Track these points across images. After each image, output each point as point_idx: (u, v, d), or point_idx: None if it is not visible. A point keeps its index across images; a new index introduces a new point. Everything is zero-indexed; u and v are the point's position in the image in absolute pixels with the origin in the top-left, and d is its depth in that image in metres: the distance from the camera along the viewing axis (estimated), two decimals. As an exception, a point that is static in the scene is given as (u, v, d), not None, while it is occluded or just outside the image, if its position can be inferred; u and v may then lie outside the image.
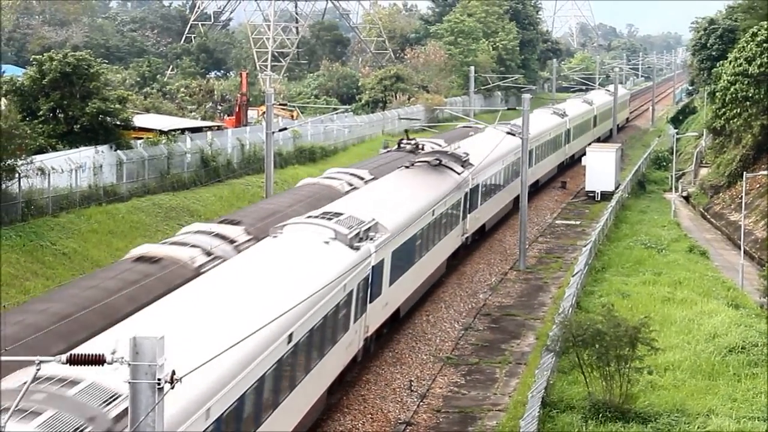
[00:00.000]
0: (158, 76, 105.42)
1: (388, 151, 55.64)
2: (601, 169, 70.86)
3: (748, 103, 65.98)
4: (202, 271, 25.25)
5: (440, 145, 57.49)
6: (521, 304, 42.74)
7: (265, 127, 47.48)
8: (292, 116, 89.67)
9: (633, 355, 28.64)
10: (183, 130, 59.05)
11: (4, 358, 14.65)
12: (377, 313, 31.64)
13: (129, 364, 12.23)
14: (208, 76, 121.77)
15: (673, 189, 74.09)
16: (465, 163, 46.55)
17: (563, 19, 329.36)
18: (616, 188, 69.41)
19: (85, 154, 47.97)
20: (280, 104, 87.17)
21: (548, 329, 35.27)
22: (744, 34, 73.04)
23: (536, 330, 38.47)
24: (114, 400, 15.76)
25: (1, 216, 40.31)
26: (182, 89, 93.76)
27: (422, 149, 54.49)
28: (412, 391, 31.30)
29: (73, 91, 50.62)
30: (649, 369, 29.44)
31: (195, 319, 20.16)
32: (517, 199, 57.83)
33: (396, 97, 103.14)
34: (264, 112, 55.35)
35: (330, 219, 29.78)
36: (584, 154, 75.81)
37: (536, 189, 67.56)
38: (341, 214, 30.58)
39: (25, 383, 13.09)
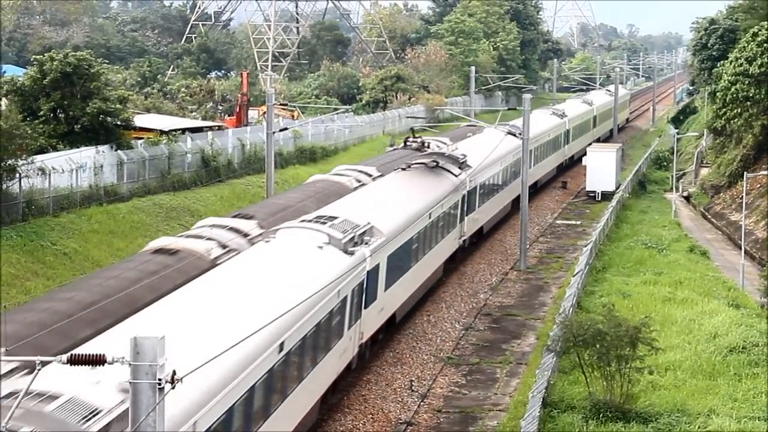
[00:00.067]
0: (159, 76, 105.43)
1: (394, 149, 55.90)
2: (601, 169, 70.88)
3: (748, 103, 65.99)
4: (218, 263, 25.88)
5: (445, 143, 57.58)
6: (522, 304, 42.74)
7: (266, 127, 47.47)
8: (293, 116, 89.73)
9: (634, 355, 28.64)
10: (183, 130, 59.06)
11: (4, 358, 14.63)
12: (372, 319, 30.97)
13: (130, 364, 12.22)
14: (208, 76, 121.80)
15: (674, 189, 74.07)
16: (462, 165, 46.03)
17: (564, 19, 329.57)
18: (617, 188, 69.41)
19: (85, 154, 47.97)
20: (281, 104, 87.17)
21: (549, 329, 35.26)
22: (745, 34, 73.04)
23: (537, 330, 38.47)
24: (95, 415, 15.12)
25: (2, 216, 40.30)
26: (183, 89, 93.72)
27: (428, 147, 54.55)
28: (412, 391, 31.29)
29: (73, 91, 50.63)
30: (649, 369, 29.44)
31: (180, 329, 18.95)
32: (515, 201, 57.81)
33: (396, 97, 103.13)
34: (264, 112, 55.37)
35: (324, 223, 29.06)
36: (584, 155, 75.83)
37: (535, 190, 67.48)
38: (335, 217, 29.87)
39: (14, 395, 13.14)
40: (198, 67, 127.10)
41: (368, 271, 29.50)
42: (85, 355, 12.13)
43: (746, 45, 67.77)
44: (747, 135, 69.34)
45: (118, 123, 52.41)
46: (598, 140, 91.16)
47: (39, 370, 12.38)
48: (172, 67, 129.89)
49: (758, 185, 63.68)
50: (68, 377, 15.30)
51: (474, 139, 57.88)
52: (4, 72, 77.71)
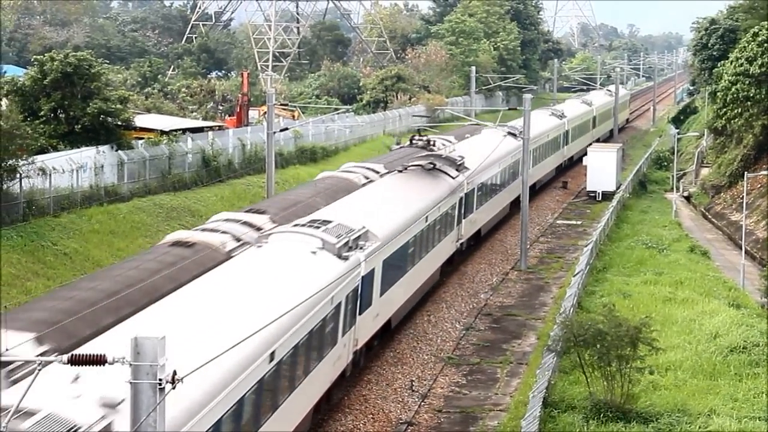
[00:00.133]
0: (159, 77, 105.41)
1: (400, 147, 56.27)
2: (602, 169, 70.88)
3: (749, 103, 65.98)
4: (233, 255, 26.37)
5: (450, 142, 57.68)
6: (522, 304, 42.74)
7: (267, 127, 47.46)
8: (293, 116, 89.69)
9: (634, 355, 28.64)
10: (184, 131, 59.03)
11: (4, 358, 14.65)
12: (367, 326, 30.41)
13: (130, 365, 12.22)
14: (209, 76, 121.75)
15: (674, 189, 74.06)
16: (460, 167, 45.52)
17: (564, 19, 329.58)
18: (617, 188, 69.41)
19: (86, 154, 47.97)
20: (281, 104, 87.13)
21: (549, 329, 35.26)
22: (745, 34, 73.03)
23: (537, 330, 38.47)
24: None
25: (2, 216, 40.31)
26: (183, 89, 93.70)
27: (433, 145, 54.62)
28: (413, 391, 31.29)
29: (74, 92, 50.64)
30: (650, 369, 29.44)
31: (168, 338, 18.48)
32: (513, 203, 57.76)
33: (397, 97, 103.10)
34: (265, 112, 55.37)
35: (318, 227, 28.45)
36: (583, 155, 75.79)
37: (534, 191, 67.38)
38: (330, 221, 29.31)
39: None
40: (198, 67, 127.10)
41: (363, 277, 28.95)
42: (86, 355, 12.10)
43: (747, 45, 67.76)
44: (747, 135, 69.36)
45: (119, 123, 52.42)
46: (597, 141, 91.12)
47: (39, 370, 12.36)
48: (172, 67, 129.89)
49: (759, 185, 63.67)
50: (47, 390, 14.85)
51: (472, 140, 57.68)
52: (5, 72, 77.71)
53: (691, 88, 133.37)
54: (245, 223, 29.64)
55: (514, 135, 57.72)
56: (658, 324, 34.68)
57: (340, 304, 26.62)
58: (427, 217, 37.76)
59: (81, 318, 20.32)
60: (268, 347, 20.62)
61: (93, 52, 59.42)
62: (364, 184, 40.14)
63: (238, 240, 28.01)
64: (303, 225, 28.75)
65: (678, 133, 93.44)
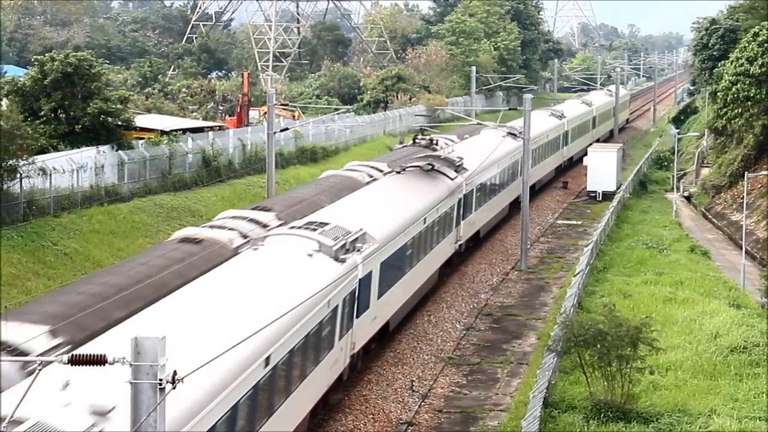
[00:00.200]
0: (160, 77, 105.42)
1: (404, 146, 56.44)
2: (602, 169, 70.87)
3: (749, 103, 65.96)
4: (240, 251, 26.62)
5: (453, 141, 57.71)
6: (523, 304, 42.74)
7: (267, 128, 47.46)
8: (294, 116, 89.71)
9: (634, 355, 28.64)
10: (184, 131, 59.04)
11: (4, 358, 14.66)
12: (365, 329, 30.10)
13: (131, 365, 12.22)
14: (209, 76, 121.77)
15: (675, 189, 74.06)
16: (459, 168, 45.11)
17: (565, 19, 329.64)
18: (618, 188, 69.40)
19: (86, 154, 47.99)
20: (282, 104, 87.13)
21: (550, 329, 35.26)
22: (745, 34, 73.02)
23: (538, 330, 38.47)
24: None
25: (3, 216, 40.32)
26: (184, 89, 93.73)
27: (436, 144, 54.65)
28: (413, 391, 31.29)
29: (74, 92, 50.66)
30: (650, 369, 29.46)
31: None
32: (512, 204, 57.69)
33: (397, 97, 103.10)
34: (265, 113, 55.37)
35: (314, 230, 28.06)
36: (583, 156, 75.70)
37: (534, 192, 67.26)
38: (326, 224, 28.95)
39: None
40: (199, 67, 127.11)
41: (360, 279, 28.62)
42: (86, 355, 12.09)
43: (747, 45, 67.75)
44: (748, 135, 69.35)
45: (119, 123, 52.44)
46: (597, 141, 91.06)
47: (40, 370, 12.35)
48: (173, 67, 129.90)
49: (759, 185, 63.67)
50: (36, 398, 14.38)
51: (471, 140, 57.49)
52: (5, 72, 77.75)
53: (692, 88, 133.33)
54: (252, 221, 30.09)
55: (513, 135, 57.58)
56: (659, 324, 34.69)
57: (336, 307, 26.25)
58: (425, 218, 37.41)
59: (93, 312, 20.72)
60: (263, 352, 20.28)
61: (93, 52, 59.47)
62: (367, 183, 40.26)
63: (245, 237, 28.43)
64: (299, 227, 28.41)
65: (678, 133, 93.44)
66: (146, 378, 12.22)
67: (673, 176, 76.87)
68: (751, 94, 65.61)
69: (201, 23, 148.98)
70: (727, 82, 67.96)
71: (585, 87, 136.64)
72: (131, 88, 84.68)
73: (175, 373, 12.40)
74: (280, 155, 62.73)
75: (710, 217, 67.19)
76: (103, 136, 50.82)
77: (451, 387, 32.18)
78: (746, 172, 58.03)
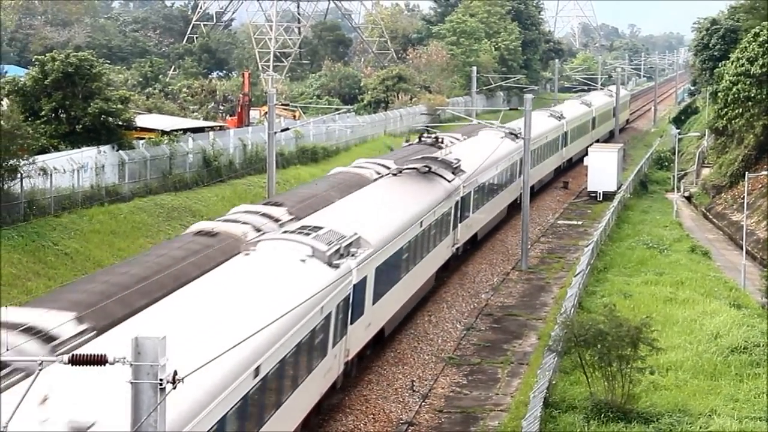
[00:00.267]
0: (160, 77, 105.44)
1: (410, 145, 56.69)
2: (603, 169, 70.84)
3: (750, 103, 65.96)
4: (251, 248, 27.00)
5: (458, 139, 57.76)
6: (523, 304, 42.74)
7: (268, 128, 47.49)
8: (294, 116, 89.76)
9: (635, 355, 28.64)
10: (185, 131, 59.06)
11: (4, 358, 14.65)
12: (359, 335, 29.46)
13: (131, 365, 12.23)
14: (210, 76, 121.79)
15: (675, 189, 74.06)
16: (456, 170, 44.32)
17: (565, 20, 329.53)
18: (618, 188, 69.39)
19: (87, 154, 48.01)
20: (282, 104, 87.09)
21: (550, 329, 35.26)
22: (746, 34, 73.03)
23: (538, 330, 38.48)
24: None
25: (3, 216, 40.34)
26: (184, 89, 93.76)
27: (442, 142, 54.63)
28: (414, 391, 31.29)
29: (75, 92, 50.69)
30: (651, 369, 29.47)
31: None
32: (511, 206, 57.58)
33: (398, 97, 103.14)
34: (266, 113, 55.38)
35: (308, 234, 27.39)
36: (582, 157, 75.60)
37: (533, 193, 66.98)
38: (320, 228, 28.31)
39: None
40: (199, 67, 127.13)
41: (354, 285, 28.05)
42: (86, 355, 12.09)
43: (748, 45, 67.75)
44: (748, 135, 69.32)
45: (120, 123, 52.46)
46: (597, 142, 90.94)
47: (40, 370, 12.35)
48: (173, 67, 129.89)
49: (759, 185, 63.65)
50: (12, 411, 13.68)
51: (469, 142, 57.27)
52: (6, 72, 77.81)
53: (692, 88, 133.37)
54: (264, 215, 31.22)
55: (512, 136, 57.34)
56: (659, 324, 34.71)
57: (330, 314, 25.64)
58: (421, 222, 36.76)
59: (116, 300, 21.82)
60: (252, 362, 19.68)
61: (94, 52, 59.45)
62: (375, 179, 40.54)
63: (258, 230, 29.38)
64: (292, 232, 27.86)
65: (679, 134, 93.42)
66: (146, 378, 12.22)
67: (673, 176, 76.86)
68: (752, 95, 65.61)
69: (202, 23, 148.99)
70: (728, 82, 67.97)
71: (586, 87, 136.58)
72: (132, 88, 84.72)
73: (175, 373, 12.40)
74: (281, 155, 62.74)
75: (711, 217, 67.19)
76: (104, 136, 50.84)
77: (451, 387, 32.19)
78: (747, 173, 58.03)
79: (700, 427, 27.84)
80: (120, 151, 50.86)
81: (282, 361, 21.61)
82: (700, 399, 29.90)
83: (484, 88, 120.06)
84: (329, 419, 28.13)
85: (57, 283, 36.49)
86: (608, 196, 68.68)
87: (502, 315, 40.77)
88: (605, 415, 28.11)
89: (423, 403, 30.39)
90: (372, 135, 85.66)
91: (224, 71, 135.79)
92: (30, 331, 19.04)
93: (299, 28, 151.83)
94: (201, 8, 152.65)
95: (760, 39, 66.38)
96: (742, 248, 51.75)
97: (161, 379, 12.25)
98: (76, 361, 12.03)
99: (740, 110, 66.77)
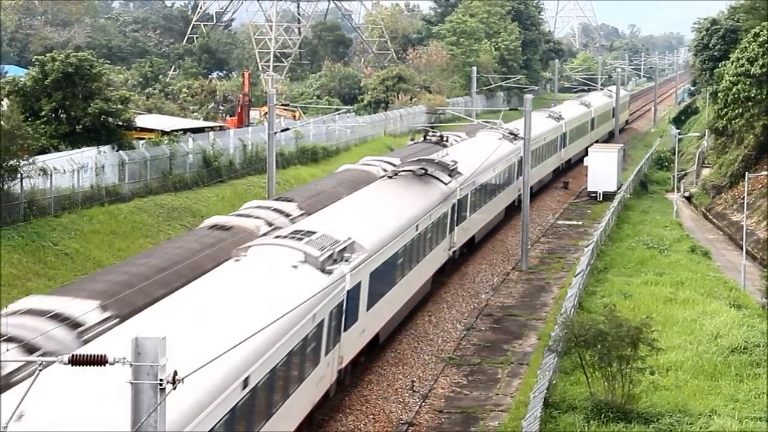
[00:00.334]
0: (160, 77, 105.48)
1: (415, 143, 56.90)
2: (603, 169, 70.83)
3: (750, 103, 65.97)
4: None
5: (462, 138, 57.81)
6: (523, 304, 42.73)
7: (268, 128, 47.48)
8: (294, 117, 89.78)
9: (635, 355, 28.64)
10: (185, 131, 59.07)
11: (4, 359, 14.65)
12: (353, 342, 28.87)
13: (131, 365, 12.23)
14: (210, 76, 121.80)
15: (675, 189, 74.06)
16: (453, 172, 43.66)
17: (565, 20, 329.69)
18: (618, 188, 69.39)
19: (87, 154, 48.02)
20: (282, 105, 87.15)
21: (550, 329, 35.26)
22: (746, 34, 73.03)
23: (538, 330, 38.48)
24: None
25: (3, 216, 40.34)
26: (184, 90, 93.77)
27: (446, 141, 54.58)
28: (414, 391, 31.29)
29: (75, 92, 50.70)
30: (651, 369, 29.44)
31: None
32: (508, 208, 57.49)
33: (398, 97, 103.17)
34: (266, 113, 55.39)
35: (300, 239, 26.71)
36: (581, 158, 75.52)
37: (531, 195, 66.53)
38: (313, 232, 27.63)
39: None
40: (199, 67, 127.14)
41: (348, 291, 27.44)
42: (87, 355, 12.09)
43: (748, 45, 67.75)
44: (748, 135, 69.33)
45: (120, 123, 52.48)
46: (596, 143, 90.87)
47: (40, 371, 12.35)
48: (173, 67, 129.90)
49: (759, 185, 63.66)
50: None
51: (466, 143, 57.07)
52: (6, 72, 77.82)
53: (692, 88, 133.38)
54: (275, 210, 32.48)
55: (510, 137, 57.14)
56: (659, 324, 34.71)
57: (322, 321, 25.02)
58: (417, 225, 36.15)
59: (137, 290, 22.94)
60: (241, 373, 19.03)
61: (94, 52, 59.48)
62: (382, 177, 41.01)
63: (270, 224, 30.58)
64: (285, 237, 27.23)
65: (679, 134, 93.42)
66: (146, 378, 12.22)
67: (673, 176, 76.87)
68: (752, 95, 65.61)
69: (202, 23, 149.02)
70: (728, 82, 67.97)
71: (586, 87, 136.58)
72: (132, 89, 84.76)
73: (175, 373, 12.40)
74: (281, 155, 62.75)
75: (711, 217, 67.19)
76: (104, 137, 50.86)
77: (451, 387, 32.18)
78: (747, 173, 58.03)
79: (700, 428, 27.84)
80: (120, 152, 50.87)
81: (272, 371, 20.99)
82: (700, 399, 29.90)
83: (484, 88, 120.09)
84: (329, 419, 28.12)
85: (57, 284, 36.49)
86: (608, 197, 68.68)
87: (502, 315, 40.76)
88: (605, 415, 28.11)
89: (423, 404, 30.38)
90: (372, 135, 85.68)
91: (224, 71, 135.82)
92: (57, 317, 20.02)
93: (299, 28, 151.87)
94: (201, 8, 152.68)
95: (760, 39, 66.39)
96: (742, 248, 51.76)
97: (161, 380, 12.25)
98: (76, 361, 12.02)
99: (740, 110, 66.78)
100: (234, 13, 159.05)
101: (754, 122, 66.63)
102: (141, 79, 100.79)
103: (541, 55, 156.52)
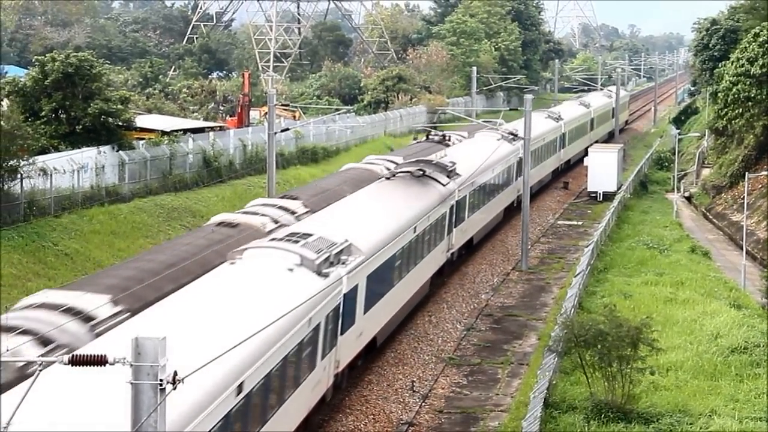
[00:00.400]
0: (160, 77, 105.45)
1: (418, 142, 56.99)
2: (603, 169, 70.83)
3: (750, 103, 65.97)
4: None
5: (465, 137, 57.81)
6: (523, 304, 42.73)
7: (268, 128, 47.46)
8: (294, 117, 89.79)
9: (635, 355, 28.64)
10: (185, 131, 59.07)
11: (4, 359, 14.64)
12: (350, 346, 28.51)
13: (131, 365, 12.23)
14: (210, 76, 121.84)
15: (675, 189, 74.07)
16: (451, 173, 43.21)
17: (565, 20, 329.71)
18: (618, 188, 69.39)
19: (87, 154, 48.03)
20: (282, 105, 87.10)
21: (550, 330, 35.25)
22: (746, 34, 73.04)
23: (538, 330, 38.48)
24: None
25: (3, 216, 40.34)
26: (184, 90, 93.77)
27: (449, 140, 54.52)
28: (414, 391, 31.28)
29: (75, 92, 50.70)
30: (651, 369, 29.43)
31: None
32: (507, 209, 57.44)
33: (398, 97, 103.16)
34: (266, 113, 55.38)
35: (296, 242, 26.40)
36: (581, 159, 75.46)
37: (530, 196, 66.42)
38: (310, 235, 27.27)
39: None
40: (199, 67, 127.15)
41: (345, 294, 27.12)
42: (87, 355, 12.08)
43: (748, 45, 67.76)
44: (748, 135, 69.34)
45: (120, 123, 52.48)
46: (596, 143, 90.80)
47: (40, 371, 12.35)
48: (173, 67, 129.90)
49: (760, 185, 63.67)
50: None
51: (464, 144, 56.96)
52: (6, 72, 77.84)
53: (692, 88, 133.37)
54: (281, 207, 33.03)
55: (509, 138, 57.03)
56: (659, 324, 34.71)
57: (319, 325, 24.70)
58: (415, 227, 35.64)
59: (147, 285, 23.39)
60: (235, 379, 18.72)
61: (94, 52, 59.50)
62: (384, 176, 41.39)
63: (276, 221, 31.17)
64: (281, 239, 26.87)
65: (679, 134, 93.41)
66: (147, 378, 12.22)
67: (673, 177, 76.87)
68: (752, 95, 65.62)
69: (202, 24, 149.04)
70: (728, 82, 67.98)
71: (585, 87, 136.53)
72: (132, 89, 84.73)
73: (175, 373, 12.40)
74: (281, 155, 62.75)
75: (711, 217, 67.19)
76: (104, 137, 50.86)
77: (451, 387, 32.18)
78: (747, 173, 58.02)
79: (700, 428, 27.84)
80: (120, 152, 50.87)
81: (267, 376, 20.69)
82: (700, 399, 29.90)
83: (484, 88, 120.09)
84: (329, 419, 28.12)
85: (57, 284, 36.44)
86: (608, 197, 68.67)
87: (502, 315, 40.76)
88: (605, 415, 28.11)
89: (423, 404, 30.38)
90: (372, 135, 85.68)
91: (224, 72, 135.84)
92: (70, 311, 20.53)
93: (299, 28, 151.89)
94: (201, 8, 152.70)
95: (760, 39, 66.39)
96: (742, 248, 51.76)
97: (161, 380, 12.25)
98: (76, 361, 12.02)
99: (740, 110, 66.78)
100: (234, 13, 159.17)
101: (754, 122, 66.64)
102: (141, 80, 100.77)
103: (541, 55, 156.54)
